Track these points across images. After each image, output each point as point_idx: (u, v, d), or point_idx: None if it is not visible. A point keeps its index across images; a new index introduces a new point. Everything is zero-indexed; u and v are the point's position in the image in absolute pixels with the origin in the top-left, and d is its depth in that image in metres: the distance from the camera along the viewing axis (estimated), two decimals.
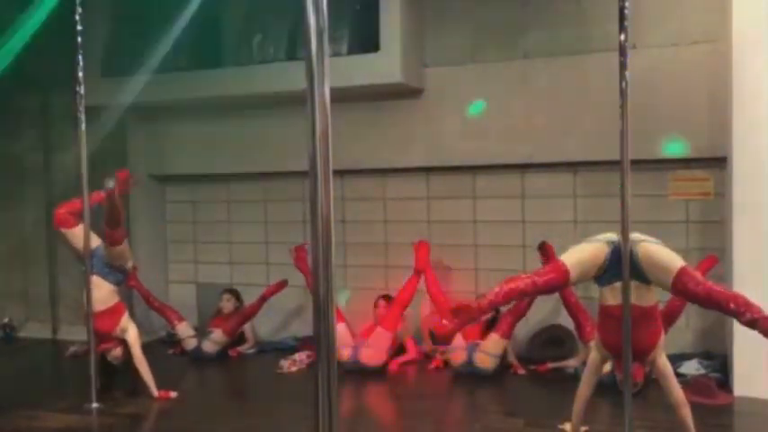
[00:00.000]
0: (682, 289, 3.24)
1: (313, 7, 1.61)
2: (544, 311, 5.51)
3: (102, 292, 5.01)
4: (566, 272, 3.31)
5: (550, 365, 5.39)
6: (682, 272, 3.23)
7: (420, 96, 6.01)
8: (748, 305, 3.13)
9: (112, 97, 6.14)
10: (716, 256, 5.11)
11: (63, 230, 5.10)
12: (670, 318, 4.50)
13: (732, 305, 3.14)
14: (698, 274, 3.29)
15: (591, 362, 3.71)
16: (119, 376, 5.23)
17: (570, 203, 5.77)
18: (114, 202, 4.75)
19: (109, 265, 5.04)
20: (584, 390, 3.71)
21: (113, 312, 5.09)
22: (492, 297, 3.26)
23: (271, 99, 6.15)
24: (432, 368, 5.66)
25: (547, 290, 3.48)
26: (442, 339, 3.19)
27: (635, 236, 3.38)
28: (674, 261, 3.29)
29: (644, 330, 3.45)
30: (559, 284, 3.44)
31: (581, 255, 3.40)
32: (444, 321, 3.24)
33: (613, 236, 3.43)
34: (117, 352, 5.20)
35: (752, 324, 3.12)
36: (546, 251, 5.32)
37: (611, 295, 3.42)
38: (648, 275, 3.35)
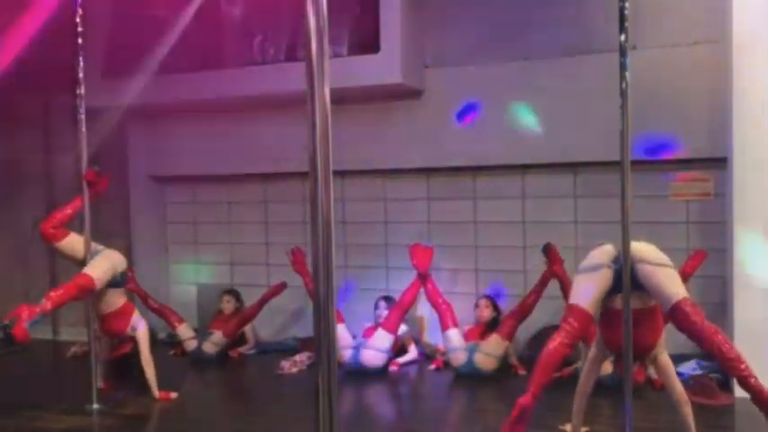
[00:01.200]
0: (674, 322, 3.33)
1: (313, 8, 1.61)
2: (545, 312, 5.50)
3: (107, 296, 5.01)
4: (586, 314, 3.40)
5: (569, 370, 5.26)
6: (677, 307, 3.29)
7: (420, 97, 6.01)
8: (735, 360, 3.18)
9: (113, 98, 6.16)
10: (704, 251, 5.13)
11: (55, 245, 5.05)
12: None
13: (719, 355, 3.20)
14: (694, 312, 3.28)
15: (591, 358, 3.73)
16: (122, 377, 5.24)
17: (570, 204, 5.77)
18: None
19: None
20: (583, 386, 3.72)
21: (122, 314, 5.10)
22: (539, 377, 3.31)
23: (271, 100, 6.15)
24: (432, 369, 5.66)
25: (580, 338, 3.60)
26: None
27: (636, 250, 3.37)
28: (673, 293, 3.33)
29: (646, 330, 3.49)
30: (587, 327, 3.54)
31: (594, 292, 3.44)
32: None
33: (612, 251, 3.45)
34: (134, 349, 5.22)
35: (737, 380, 3.20)
36: (551, 253, 5.32)
37: (618, 298, 3.43)
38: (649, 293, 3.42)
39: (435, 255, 5.91)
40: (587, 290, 3.45)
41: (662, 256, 3.47)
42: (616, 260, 3.40)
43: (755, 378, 3.14)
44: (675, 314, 3.30)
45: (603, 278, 3.43)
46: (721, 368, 3.26)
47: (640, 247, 3.43)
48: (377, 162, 6.22)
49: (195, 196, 7.19)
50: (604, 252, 3.51)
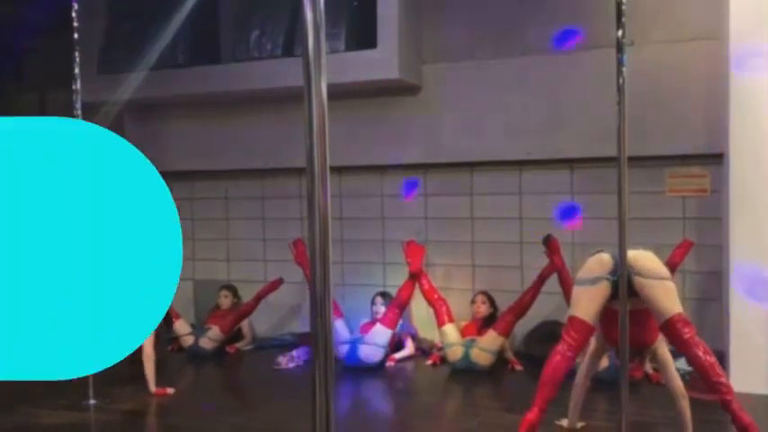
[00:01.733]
0: (666, 336, 3.45)
1: (310, 3, 1.60)
2: (541, 307, 5.51)
3: None
4: (587, 326, 3.50)
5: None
6: (669, 323, 3.37)
7: (418, 93, 6.01)
8: (722, 384, 3.28)
9: (109, 94, 6.14)
10: (691, 241, 5.18)
11: None
12: None
13: (705, 375, 3.31)
14: (685, 330, 3.35)
15: (590, 352, 3.76)
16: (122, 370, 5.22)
17: (568, 200, 5.77)
18: None
19: None
20: (581, 380, 3.74)
21: None
22: (545, 393, 3.43)
23: (268, 95, 6.14)
24: (429, 364, 5.67)
25: (581, 350, 3.67)
26: None
27: (633, 261, 3.38)
28: (667, 308, 3.39)
29: (645, 327, 3.52)
30: (588, 339, 3.63)
31: (594, 305, 3.50)
32: None
33: (610, 262, 3.48)
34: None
35: (720, 402, 3.30)
36: (551, 245, 5.31)
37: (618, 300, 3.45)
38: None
39: (432, 250, 5.92)
40: (587, 303, 3.50)
41: (659, 269, 3.49)
42: (613, 271, 3.43)
43: (737, 402, 3.26)
44: (667, 329, 3.38)
45: (602, 291, 3.47)
46: (706, 387, 3.32)
47: (638, 258, 3.44)
48: (374, 158, 6.21)
49: (192, 192, 7.17)
50: (602, 263, 3.52)
